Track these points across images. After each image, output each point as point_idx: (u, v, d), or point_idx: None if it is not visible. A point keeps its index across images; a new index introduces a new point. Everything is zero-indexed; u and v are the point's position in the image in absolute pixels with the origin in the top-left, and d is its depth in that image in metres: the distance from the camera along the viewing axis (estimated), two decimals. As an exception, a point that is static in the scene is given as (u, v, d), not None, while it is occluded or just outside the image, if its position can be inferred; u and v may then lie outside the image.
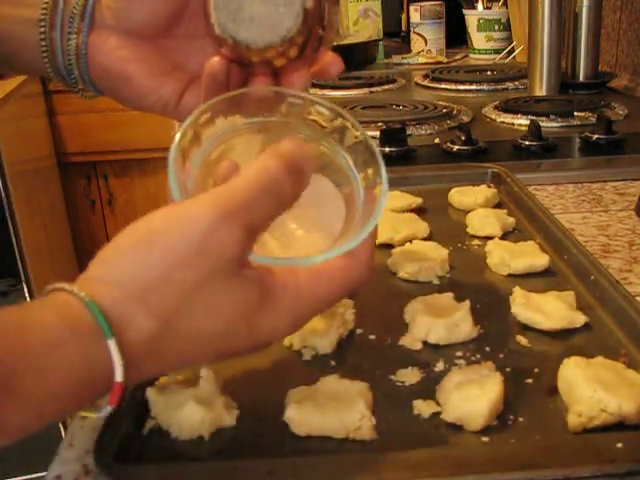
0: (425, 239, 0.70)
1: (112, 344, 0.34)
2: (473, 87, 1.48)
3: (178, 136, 0.42)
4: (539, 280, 0.62)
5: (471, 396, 0.44)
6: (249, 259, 0.38)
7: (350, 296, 0.58)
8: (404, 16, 2.17)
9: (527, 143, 0.98)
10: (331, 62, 0.54)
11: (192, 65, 0.53)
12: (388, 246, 0.69)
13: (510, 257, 0.64)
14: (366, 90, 1.52)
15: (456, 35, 1.96)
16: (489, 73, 1.59)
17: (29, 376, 0.32)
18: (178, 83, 0.53)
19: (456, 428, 0.44)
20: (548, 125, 1.10)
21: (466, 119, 1.19)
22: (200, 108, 0.44)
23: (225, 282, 0.36)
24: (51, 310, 0.34)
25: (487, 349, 0.52)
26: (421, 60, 1.89)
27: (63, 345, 0.33)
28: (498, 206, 0.79)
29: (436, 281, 0.63)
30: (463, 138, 0.98)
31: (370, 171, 0.45)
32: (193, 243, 0.35)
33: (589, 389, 0.43)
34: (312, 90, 1.56)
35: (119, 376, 0.35)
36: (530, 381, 0.48)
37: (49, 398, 0.33)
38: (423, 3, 1.89)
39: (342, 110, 0.47)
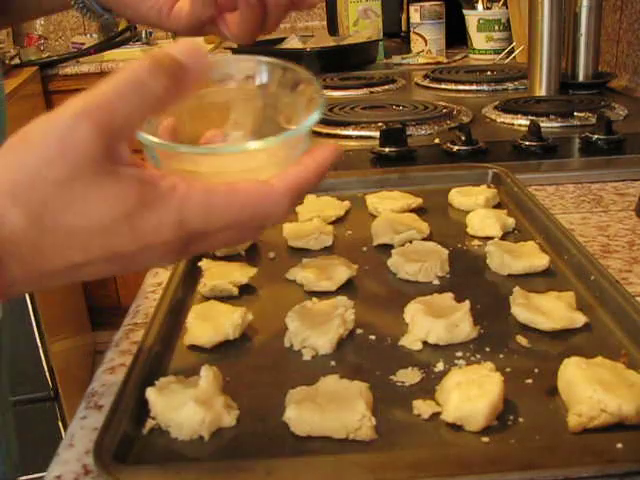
0: (425, 239, 0.70)
1: None
2: (473, 87, 1.48)
3: None
4: (539, 280, 0.62)
5: (471, 396, 0.44)
6: (139, 138, 0.38)
7: (350, 296, 0.58)
8: (404, 16, 2.17)
9: (527, 143, 0.98)
10: None
11: None
12: (388, 246, 0.69)
13: (510, 257, 0.64)
14: (366, 90, 1.52)
15: (456, 35, 1.95)
16: (489, 73, 1.59)
17: None
18: None
19: (456, 428, 0.44)
20: (548, 125, 1.10)
21: (466, 119, 1.19)
22: None
23: (94, 178, 0.36)
24: None
25: (487, 349, 0.52)
26: (421, 60, 1.89)
27: None
28: (498, 206, 0.79)
29: (436, 281, 0.63)
30: (463, 138, 0.98)
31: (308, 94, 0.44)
32: (54, 141, 0.35)
33: (589, 389, 0.43)
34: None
35: None
36: (530, 381, 0.48)
37: None
38: (423, 3, 1.89)
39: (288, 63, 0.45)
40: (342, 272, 0.63)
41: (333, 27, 2.12)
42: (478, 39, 1.87)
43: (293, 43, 1.93)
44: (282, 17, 0.60)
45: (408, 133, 1.05)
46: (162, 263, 0.40)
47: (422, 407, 0.46)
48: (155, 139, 0.40)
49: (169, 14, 0.59)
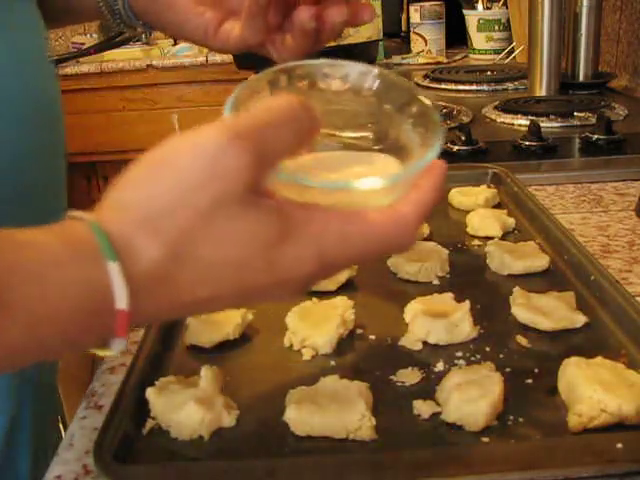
0: (425, 239, 0.70)
1: (114, 268, 0.32)
2: (473, 87, 1.48)
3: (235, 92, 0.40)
4: (539, 280, 0.62)
5: (471, 396, 0.44)
6: (276, 178, 0.36)
7: (350, 296, 0.58)
8: (404, 16, 2.17)
9: (527, 143, 0.98)
10: (364, 8, 0.57)
11: (233, 1, 0.58)
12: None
13: (510, 257, 0.64)
14: (366, 90, 1.52)
15: (456, 35, 1.95)
16: (489, 73, 1.59)
17: (24, 293, 0.31)
18: (218, 13, 0.58)
19: (456, 428, 0.44)
20: (548, 125, 1.10)
21: (466, 119, 1.19)
22: (251, 77, 0.42)
23: (237, 209, 0.34)
24: (54, 232, 0.33)
25: (487, 349, 0.52)
26: (421, 60, 1.89)
27: (62, 265, 0.32)
28: (498, 206, 0.79)
29: (436, 281, 0.63)
30: (463, 138, 0.98)
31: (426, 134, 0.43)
32: (204, 166, 0.33)
33: (589, 389, 0.43)
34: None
35: (121, 303, 0.33)
36: (530, 381, 0.48)
37: (46, 319, 0.32)
38: (423, 3, 1.89)
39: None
40: (342, 272, 0.63)
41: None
42: (478, 39, 1.87)
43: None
44: (334, 37, 0.59)
45: (408, 133, 1.05)
46: (291, 297, 0.39)
47: (422, 407, 0.46)
48: (286, 173, 0.37)
49: (215, 35, 0.58)
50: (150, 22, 0.61)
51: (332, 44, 2.01)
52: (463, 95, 1.45)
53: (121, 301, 0.32)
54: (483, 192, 0.79)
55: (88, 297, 0.32)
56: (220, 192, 0.33)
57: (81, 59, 2.62)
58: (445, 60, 1.90)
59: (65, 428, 0.49)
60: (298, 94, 0.39)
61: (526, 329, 0.54)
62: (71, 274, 0.32)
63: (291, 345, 0.54)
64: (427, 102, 0.43)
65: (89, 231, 0.33)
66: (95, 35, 3.06)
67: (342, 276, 0.62)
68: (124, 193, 0.34)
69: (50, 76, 0.61)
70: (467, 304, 0.55)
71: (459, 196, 0.80)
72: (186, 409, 0.44)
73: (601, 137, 0.98)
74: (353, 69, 0.44)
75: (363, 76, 0.44)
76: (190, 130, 0.35)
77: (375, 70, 0.44)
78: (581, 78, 1.38)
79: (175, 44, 3.19)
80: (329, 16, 0.55)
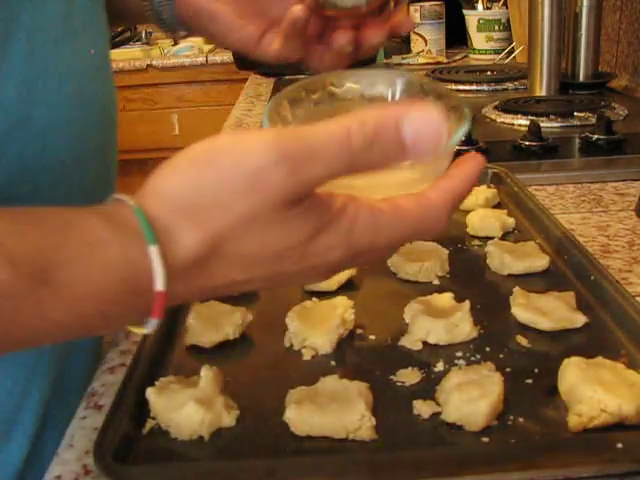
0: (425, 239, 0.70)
1: (154, 251, 0.34)
2: (473, 87, 1.48)
3: (270, 104, 0.42)
4: (539, 280, 0.62)
5: (471, 396, 0.44)
6: None
7: (350, 296, 0.58)
8: (404, 16, 2.16)
9: (527, 143, 0.98)
10: (404, 20, 0.58)
11: (274, 11, 0.59)
12: (388, 246, 0.69)
13: (510, 257, 0.64)
14: (366, 90, 1.52)
15: (456, 35, 1.95)
16: (489, 73, 1.59)
17: (67, 270, 0.33)
18: (260, 24, 0.59)
19: (456, 428, 0.44)
20: (548, 125, 1.10)
21: (466, 119, 1.18)
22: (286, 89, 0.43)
23: (275, 217, 0.35)
24: (99, 214, 0.35)
25: (487, 349, 0.52)
26: (421, 60, 1.89)
27: (105, 245, 0.34)
28: (498, 206, 0.79)
29: (436, 281, 0.63)
30: (463, 138, 0.98)
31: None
32: (246, 175, 0.34)
33: (589, 389, 0.43)
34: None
35: (160, 284, 0.34)
36: (530, 381, 0.48)
37: (88, 297, 0.33)
38: (423, 3, 1.89)
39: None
40: (342, 272, 0.63)
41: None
42: (478, 39, 1.87)
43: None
44: (372, 53, 0.59)
45: (408, 133, 1.05)
46: (320, 279, 0.40)
47: (422, 407, 0.46)
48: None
49: (256, 47, 0.59)
50: (195, 31, 0.63)
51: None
52: (463, 95, 1.45)
53: (159, 283, 0.34)
54: (483, 192, 0.79)
55: (129, 277, 0.34)
56: (259, 203, 0.34)
57: (81, 59, 2.62)
58: (445, 60, 1.90)
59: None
60: (331, 102, 0.42)
61: (526, 329, 0.54)
62: (114, 255, 0.34)
63: (291, 345, 0.54)
64: (455, 96, 0.44)
65: (133, 215, 0.34)
66: (95, 35, 3.05)
67: (342, 276, 0.62)
68: (167, 182, 0.35)
69: (110, 80, 0.63)
70: (467, 304, 0.55)
71: (459, 196, 0.80)
72: (186, 409, 0.44)
73: (601, 137, 0.98)
74: (385, 77, 0.46)
75: (394, 83, 0.45)
76: (239, 132, 0.36)
77: (406, 75, 0.45)
78: (581, 78, 1.38)
79: (175, 44, 3.19)
80: (367, 39, 0.56)
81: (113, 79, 0.65)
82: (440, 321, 0.53)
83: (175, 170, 0.35)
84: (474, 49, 1.89)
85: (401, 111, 0.35)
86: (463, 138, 0.36)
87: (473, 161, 0.41)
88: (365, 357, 0.53)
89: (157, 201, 0.35)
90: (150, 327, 0.37)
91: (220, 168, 0.34)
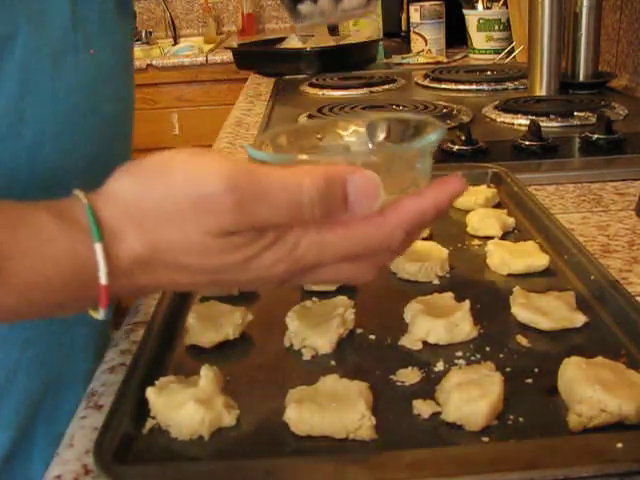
0: (425, 239, 0.70)
1: (98, 247, 0.36)
2: (473, 87, 1.48)
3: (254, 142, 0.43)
4: (539, 280, 0.62)
5: (471, 396, 0.44)
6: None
7: (350, 296, 0.58)
8: (404, 16, 2.17)
9: (527, 143, 0.98)
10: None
11: None
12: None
13: (510, 257, 0.64)
14: (366, 90, 1.52)
15: (456, 35, 1.95)
16: (489, 73, 1.59)
17: (17, 262, 0.36)
18: None
19: (456, 428, 0.44)
20: (548, 125, 1.10)
21: (466, 119, 1.19)
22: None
23: (217, 240, 0.37)
24: (50, 210, 0.38)
25: (487, 349, 0.52)
26: (421, 60, 1.89)
27: (54, 240, 0.37)
28: (498, 206, 0.79)
29: (436, 281, 0.63)
30: (463, 138, 0.98)
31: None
32: (193, 196, 0.36)
33: (589, 389, 0.43)
34: (312, 90, 1.56)
35: (103, 279, 0.37)
36: (530, 381, 0.48)
37: (37, 286, 0.37)
38: (423, 3, 1.89)
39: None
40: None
41: (333, 27, 2.12)
42: (478, 39, 1.87)
43: (293, 43, 1.93)
44: None
45: (408, 133, 1.05)
46: (271, 287, 0.41)
47: (422, 407, 0.46)
48: (272, 154, 0.40)
49: None
50: None
51: (332, 44, 2.01)
52: (463, 95, 1.45)
53: (102, 277, 0.37)
54: (483, 192, 0.79)
55: (76, 271, 0.37)
56: (201, 226, 0.37)
57: (81, 59, 2.62)
58: (445, 60, 1.90)
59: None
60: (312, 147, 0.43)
61: (526, 329, 0.54)
62: (62, 249, 0.37)
63: (291, 345, 0.54)
64: (435, 122, 0.44)
65: (83, 212, 0.37)
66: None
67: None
68: (123, 186, 0.38)
69: (121, 90, 0.63)
70: (467, 304, 0.55)
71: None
72: (186, 409, 0.44)
73: (601, 137, 0.98)
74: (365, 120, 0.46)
75: (374, 125, 0.45)
76: (200, 152, 0.37)
77: (386, 116, 0.45)
78: (581, 78, 1.38)
79: (175, 44, 3.19)
80: None
81: (128, 89, 0.64)
82: (440, 321, 0.53)
83: (131, 176, 0.38)
84: (474, 49, 1.89)
85: (347, 172, 0.37)
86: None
87: (449, 182, 0.40)
88: (365, 357, 0.53)
89: (110, 202, 0.37)
90: (100, 315, 0.39)
91: (172, 184, 0.36)
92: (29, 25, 0.50)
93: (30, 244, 0.36)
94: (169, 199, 0.36)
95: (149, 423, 0.46)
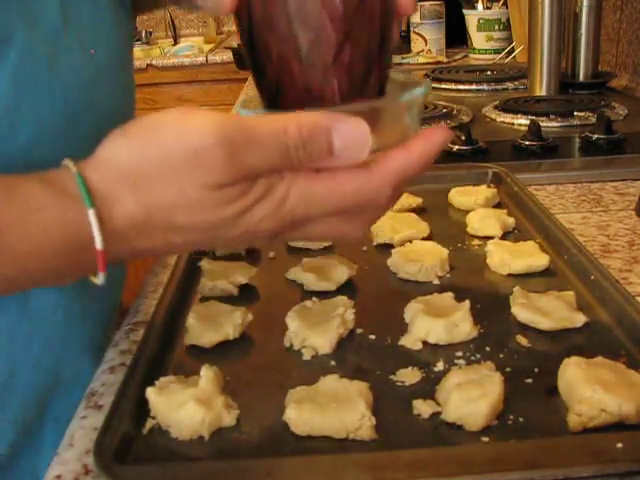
0: (425, 239, 0.70)
1: (91, 213, 0.37)
2: (473, 87, 1.48)
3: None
4: (539, 280, 0.62)
5: (471, 396, 0.44)
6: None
7: (350, 296, 0.58)
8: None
9: (527, 143, 0.98)
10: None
11: None
12: (388, 246, 0.69)
13: (510, 257, 0.64)
14: (366, 90, 1.52)
15: (456, 35, 1.95)
16: (489, 73, 1.59)
17: (9, 232, 0.37)
18: None
19: (456, 428, 0.44)
20: (548, 125, 1.10)
21: (466, 119, 1.19)
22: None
23: (211, 194, 0.37)
24: (41, 179, 0.38)
25: (487, 349, 0.52)
26: (421, 60, 1.89)
27: (45, 209, 0.37)
28: (498, 206, 0.79)
29: (436, 281, 0.63)
30: (463, 138, 0.98)
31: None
32: (185, 152, 0.36)
33: (589, 389, 0.43)
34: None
35: (98, 244, 0.37)
36: (530, 381, 0.48)
37: (31, 256, 0.37)
38: (423, 3, 1.89)
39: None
40: (342, 272, 0.63)
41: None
42: (478, 39, 1.87)
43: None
44: None
45: (408, 133, 1.05)
46: (261, 244, 0.42)
47: (422, 407, 0.46)
48: (261, 109, 0.40)
49: None
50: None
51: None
52: (463, 95, 1.45)
53: (98, 242, 0.37)
54: (483, 192, 0.79)
55: (69, 238, 0.37)
56: (195, 181, 0.36)
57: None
58: (445, 60, 1.90)
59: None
60: None
61: (526, 329, 0.54)
62: (53, 217, 0.37)
63: (291, 345, 0.54)
64: (422, 80, 0.44)
65: (73, 180, 0.37)
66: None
67: (342, 276, 0.62)
68: (112, 151, 0.38)
69: (120, 87, 0.63)
70: (467, 304, 0.55)
71: (459, 196, 0.80)
72: (186, 409, 0.44)
73: (601, 137, 0.98)
74: None
75: None
76: (187, 109, 0.38)
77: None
78: (581, 78, 1.38)
79: (175, 44, 3.19)
80: None
81: (126, 88, 0.64)
82: (440, 321, 0.53)
83: (122, 139, 0.38)
84: (474, 49, 1.89)
85: (334, 120, 0.37)
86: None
87: (433, 133, 0.40)
88: (365, 357, 0.53)
89: (100, 167, 0.38)
90: (100, 279, 0.39)
91: (163, 143, 0.37)
92: (24, 26, 0.50)
93: (20, 214, 0.37)
94: (161, 157, 0.36)
95: (149, 423, 0.46)
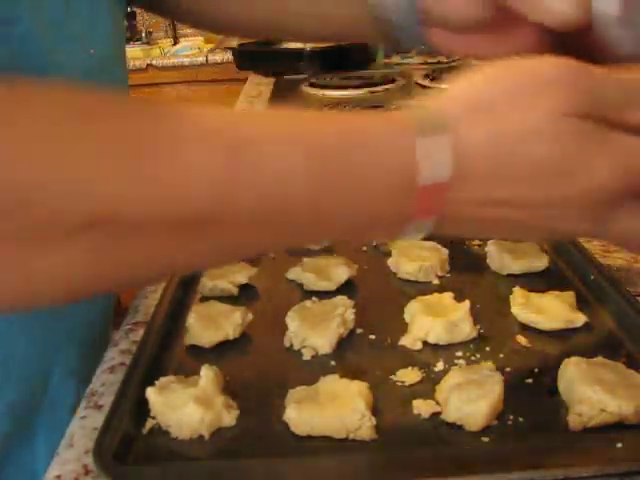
0: (425, 239, 0.70)
1: (442, 139, 0.33)
2: (473, 87, 1.48)
3: None
4: (539, 280, 0.62)
5: (471, 396, 0.44)
6: None
7: (350, 296, 0.58)
8: (404, 16, 2.16)
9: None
10: None
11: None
12: (388, 246, 0.69)
13: (510, 257, 0.64)
14: (366, 90, 1.52)
15: (456, 35, 1.95)
16: (489, 73, 1.59)
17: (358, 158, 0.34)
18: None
19: (456, 428, 0.44)
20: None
21: (466, 119, 1.18)
22: None
23: (570, 118, 0.34)
24: (383, 117, 0.36)
25: (487, 349, 0.52)
26: (421, 60, 1.89)
27: (379, 135, 0.34)
28: (498, 206, 0.79)
29: (436, 281, 0.63)
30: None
31: None
32: (546, 77, 0.34)
33: (589, 389, 0.43)
34: (312, 90, 1.56)
35: (429, 180, 0.33)
36: (530, 381, 0.48)
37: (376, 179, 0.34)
38: (423, 3, 1.89)
39: None
40: (342, 272, 0.63)
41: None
42: (478, 39, 1.86)
43: (293, 43, 1.93)
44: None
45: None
46: (572, 225, 0.37)
47: (422, 407, 0.46)
48: None
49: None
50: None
51: (332, 44, 1.99)
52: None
53: (438, 175, 0.33)
54: (483, 192, 0.79)
55: (397, 169, 0.34)
56: (555, 105, 0.34)
57: (81, 59, 2.62)
58: (445, 60, 1.90)
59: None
60: None
61: (526, 329, 0.54)
62: (386, 144, 0.34)
63: (291, 345, 0.54)
64: None
65: (412, 112, 0.35)
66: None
67: (342, 276, 0.62)
68: (460, 88, 0.36)
69: (116, 84, 0.63)
70: (467, 304, 0.55)
71: (459, 196, 0.80)
72: (186, 409, 0.44)
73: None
74: None
75: None
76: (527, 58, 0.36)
77: None
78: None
79: (175, 44, 3.19)
80: None
81: (123, 80, 0.64)
82: (440, 321, 0.53)
83: (468, 80, 0.36)
84: (474, 49, 1.88)
85: None
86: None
87: None
88: (365, 357, 0.53)
89: (449, 101, 0.35)
90: (426, 229, 0.38)
91: (513, 76, 0.35)
92: (30, 7, 0.50)
93: (373, 139, 0.34)
94: (514, 88, 0.34)
95: (149, 423, 0.46)
